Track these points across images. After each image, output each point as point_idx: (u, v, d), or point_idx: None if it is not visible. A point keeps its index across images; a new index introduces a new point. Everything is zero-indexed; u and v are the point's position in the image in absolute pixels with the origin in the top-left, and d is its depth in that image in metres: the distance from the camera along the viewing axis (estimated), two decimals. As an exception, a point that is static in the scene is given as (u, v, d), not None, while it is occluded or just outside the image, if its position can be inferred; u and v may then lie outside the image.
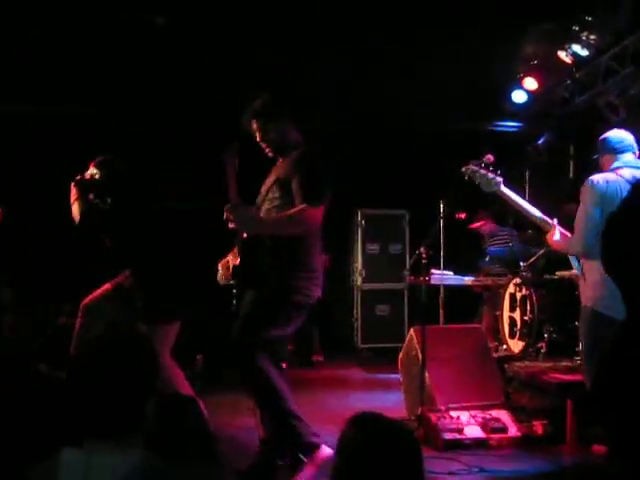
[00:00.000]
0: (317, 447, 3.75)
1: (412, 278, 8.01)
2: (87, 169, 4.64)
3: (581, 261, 4.20)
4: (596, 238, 3.84)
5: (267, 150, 4.03)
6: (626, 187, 3.96)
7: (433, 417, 4.87)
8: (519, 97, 8.07)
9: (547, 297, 6.17)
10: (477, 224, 8.04)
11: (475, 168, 4.41)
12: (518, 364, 5.64)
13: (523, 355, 6.06)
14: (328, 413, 5.78)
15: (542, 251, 6.67)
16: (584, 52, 6.94)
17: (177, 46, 6.81)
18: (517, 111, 8.46)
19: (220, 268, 4.03)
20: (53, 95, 7.35)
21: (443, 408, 5.00)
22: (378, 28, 6.63)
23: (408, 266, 8.91)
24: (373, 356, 8.92)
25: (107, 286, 4.76)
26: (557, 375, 5.07)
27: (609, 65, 7.03)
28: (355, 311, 9.28)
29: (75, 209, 4.58)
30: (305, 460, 3.71)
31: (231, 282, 3.97)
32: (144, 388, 2.03)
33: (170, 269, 4.57)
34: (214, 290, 4.51)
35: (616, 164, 4.14)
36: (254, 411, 4.02)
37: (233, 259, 3.95)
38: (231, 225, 3.76)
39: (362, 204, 9.20)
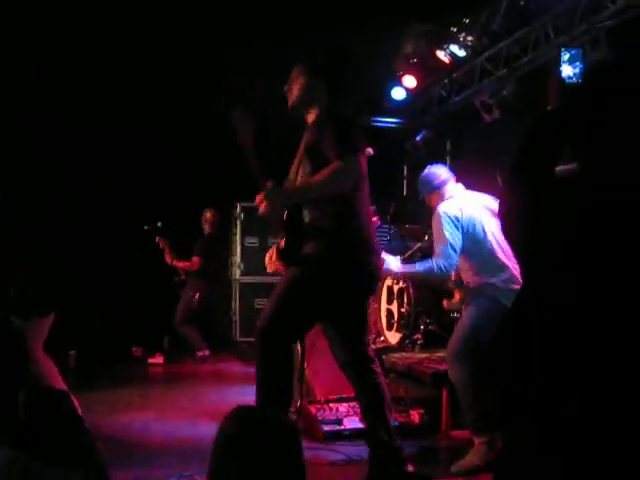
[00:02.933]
0: None
1: (291, 271, 8.02)
2: None
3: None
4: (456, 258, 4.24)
5: (289, 102, 3.75)
6: (478, 205, 4.35)
7: (312, 409, 4.88)
8: (398, 94, 8.25)
9: (423, 290, 6.31)
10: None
11: None
12: (395, 355, 5.75)
13: (400, 346, 6.17)
14: (206, 406, 5.71)
15: (418, 245, 6.83)
16: (461, 53, 7.15)
17: (63, 24, 6.47)
18: (396, 108, 8.63)
19: (267, 259, 3.67)
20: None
21: (322, 400, 5.02)
22: (270, 18, 6.57)
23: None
24: (252, 349, 8.84)
25: None
26: (433, 365, 5.19)
27: (484, 66, 7.28)
28: (233, 304, 9.21)
29: None
30: None
31: (279, 266, 3.61)
32: (12, 383, 1.90)
33: (44, 261, 4.36)
34: (91, 284, 4.35)
35: (448, 195, 4.47)
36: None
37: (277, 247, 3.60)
38: (262, 209, 3.39)
39: (241, 198, 9.12)
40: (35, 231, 4.40)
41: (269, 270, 3.69)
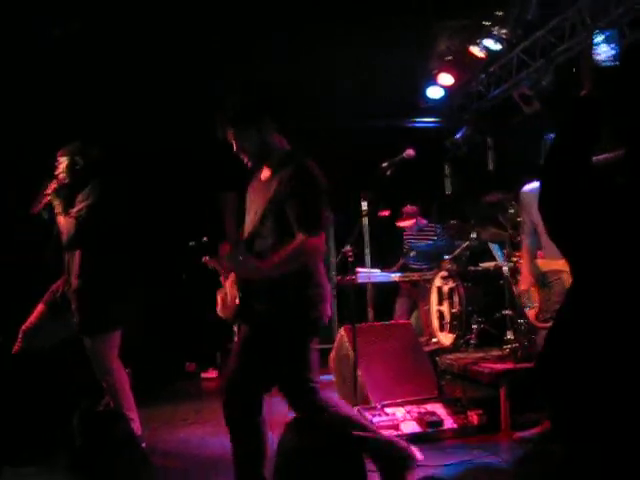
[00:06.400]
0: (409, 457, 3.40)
1: (339, 278, 7.99)
2: (55, 161, 4.53)
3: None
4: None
5: (246, 161, 3.51)
6: None
7: (369, 415, 4.83)
8: (435, 93, 8.17)
9: (473, 289, 6.23)
10: (406, 223, 8.01)
11: None
12: (449, 356, 5.66)
13: (454, 347, 6.09)
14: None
15: (465, 243, 6.75)
16: (496, 46, 7.06)
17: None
18: (434, 107, 8.56)
19: (219, 300, 3.46)
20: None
21: (378, 406, 4.97)
22: (299, 26, 6.57)
23: (334, 266, 8.91)
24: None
25: (40, 307, 4.71)
26: (488, 365, 5.10)
27: (521, 58, 7.17)
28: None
29: (63, 224, 4.44)
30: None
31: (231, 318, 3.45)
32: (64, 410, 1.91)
33: (115, 276, 4.45)
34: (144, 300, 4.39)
35: None
36: None
37: (231, 292, 3.40)
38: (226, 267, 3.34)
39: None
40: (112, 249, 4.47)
41: (220, 313, 3.46)
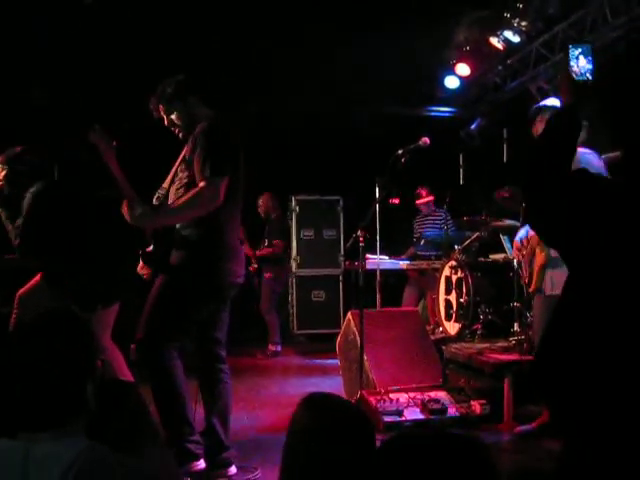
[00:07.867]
0: (196, 459, 3.64)
1: (348, 263, 8.03)
2: None
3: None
4: None
5: (177, 133, 3.80)
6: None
7: (373, 400, 4.87)
8: (452, 83, 8.17)
9: (482, 279, 6.24)
10: (424, 200, 8.00)
11: None
12: (455, 346, 5.69)
13: (459, 337, 6.12)
14: (266, 398, 5.75)
15: (476, 235, 6.77)
16: (515, 38, 7.05)
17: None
18: (450, 97, 8.55)
19: (140, 266, 3.82)
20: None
21: (382, 391, 5.01)
22: (314, 11, 6.57)
23: (344, 251, 8.94)
24: (309, 342, 8.89)
25: (38, 276, 4.66)
26: (493, 355, 5.13)
27: (539, 51, 7.15)
28: (290, 297, 9.25)
29: (10, 232, 4.45)
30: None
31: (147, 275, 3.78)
32: (82, 373, 1.93)
33: (105, 253, 4.43)
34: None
35: None
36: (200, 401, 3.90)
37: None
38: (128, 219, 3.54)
39: (296, 191, 9.17)
40: (95, 222, 4.47)
41: (144, 276, 3.79)
